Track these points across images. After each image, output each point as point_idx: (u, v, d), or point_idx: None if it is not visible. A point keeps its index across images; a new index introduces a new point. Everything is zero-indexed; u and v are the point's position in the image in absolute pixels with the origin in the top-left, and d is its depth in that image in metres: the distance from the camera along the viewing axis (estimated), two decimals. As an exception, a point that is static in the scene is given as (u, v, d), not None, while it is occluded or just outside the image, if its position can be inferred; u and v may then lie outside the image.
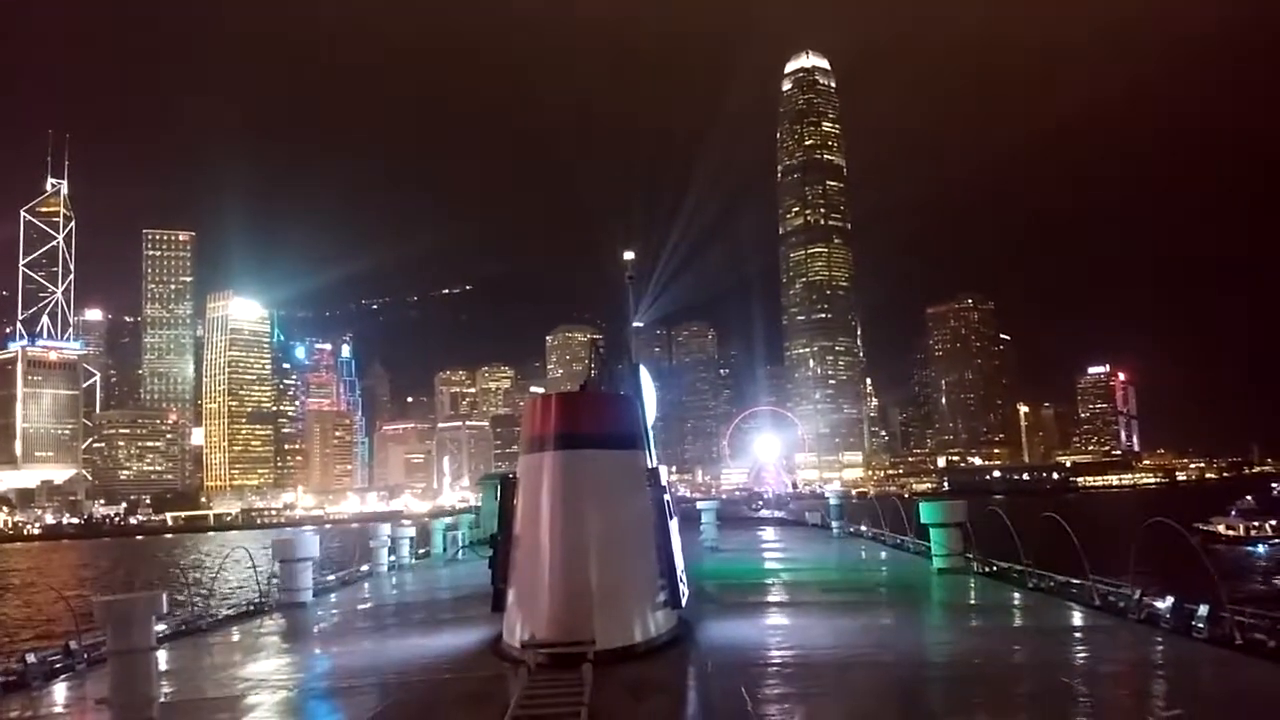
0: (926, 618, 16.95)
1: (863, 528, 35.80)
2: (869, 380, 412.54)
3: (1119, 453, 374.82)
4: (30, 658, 13.96)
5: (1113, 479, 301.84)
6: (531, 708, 9.17)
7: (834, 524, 37.35)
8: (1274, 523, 58.58)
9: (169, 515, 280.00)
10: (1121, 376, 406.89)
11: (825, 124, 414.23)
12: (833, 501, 40.27)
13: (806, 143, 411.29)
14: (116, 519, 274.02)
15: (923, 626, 15.99)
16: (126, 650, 10.37)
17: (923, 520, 22.72)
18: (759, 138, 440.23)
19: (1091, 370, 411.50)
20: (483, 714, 9.94)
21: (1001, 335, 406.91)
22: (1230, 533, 57.57)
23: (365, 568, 29.38)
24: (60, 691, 13.17)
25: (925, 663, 12.43)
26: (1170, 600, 14.07)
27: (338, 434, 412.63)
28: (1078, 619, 15.18)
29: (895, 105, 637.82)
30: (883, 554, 28.59)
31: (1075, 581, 17.10)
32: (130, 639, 10.41)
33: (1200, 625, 12.93)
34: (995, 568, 20.73)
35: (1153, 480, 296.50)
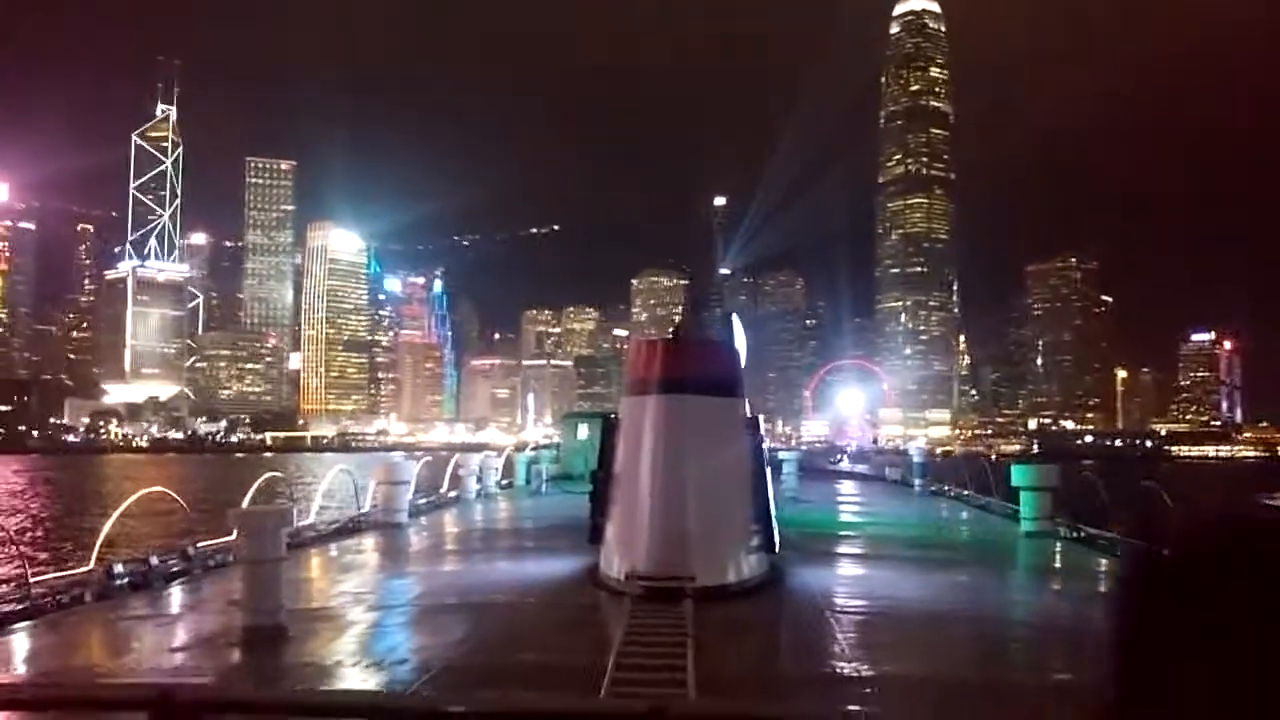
0: (1012, 578, 17.00)
1: (945, 487, 35.41)
2: (962, 337, 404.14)
3: (1218, 423, 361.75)
4: (153, 560, 14.57)
5: (1209, 450, 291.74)
6: (638, 636, 9.53)
7: (916, 481, 37.20)
8: None
9: (268, 435, 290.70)
10: (1227, 345, 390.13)
11: (933, 69, 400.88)
12: (915, 458, 40.05)
13: (912, 88, 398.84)
14: (218, 436, 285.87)
15: (1008, 586, 16.06)
16: (258, 558, 11.00)
17: (1013, 483, 22.69)
18: (860, 82, 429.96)
19: (1195, 337, 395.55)
20: (586, 638, 10.37)
21: (1103, 296, 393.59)
22: None
23: (454, 494, 30.34)
24: (182, 594, 13.76)
25: (1011, 621, 12.54)
26: None
27: (428, 366, 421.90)
28: None
29: (1007, 52, 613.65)
30: (965, 514, 28.50)
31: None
32: (263, 548, 11.05)
33: None
34: (1084, 534, 20.52)
35: (1252, 454, 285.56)
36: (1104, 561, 17.92)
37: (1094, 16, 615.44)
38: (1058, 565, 18.34)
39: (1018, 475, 22.08)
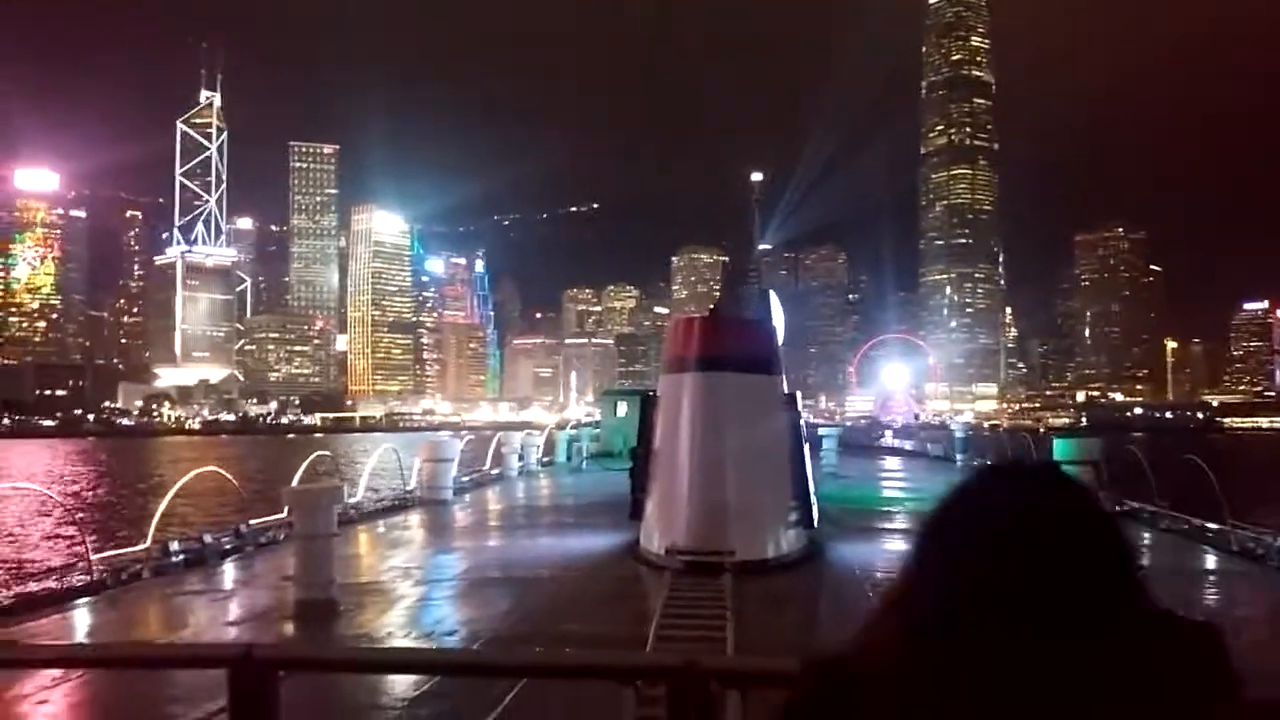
0: None
1: (988, 461, 35.30)
2: (1008, 310, 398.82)
3: (1272, 394, 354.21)
4: (207, 538, 15.00)
5: (1263, 421, 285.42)
6: (678, 608, 9.70)
7: (958, 456, 37.10)
8: None
9: (318, 416, 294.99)
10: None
11: (974, 38, 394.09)
12: (958, 434, 39.92)
13: (954, 58, 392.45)
14: (269, 418, 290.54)
15: None
16: (311, 534, 11.41)
17: (1056, 457, 22.66)
18: (901, 52, 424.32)
19: (1248, 306, 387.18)
20: (627, 610, 10.59)
21: (1152, 266, 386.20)
22: None
23: (497, 471, 30.94)
24: (235, 570, 14.15)
25: None
26: None
27: (471, 346, 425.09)
28: (1212, 562, 14.92)
29: (1050, 19, 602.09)
30: None
31: (1212, 526, 16.73)
32: (315, 524, 11.46)
33: None
34: (1127, 507, 20.44)
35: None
36: (1147, 535, 17.89)
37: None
38: None
39: (1060, 449, 22.22)
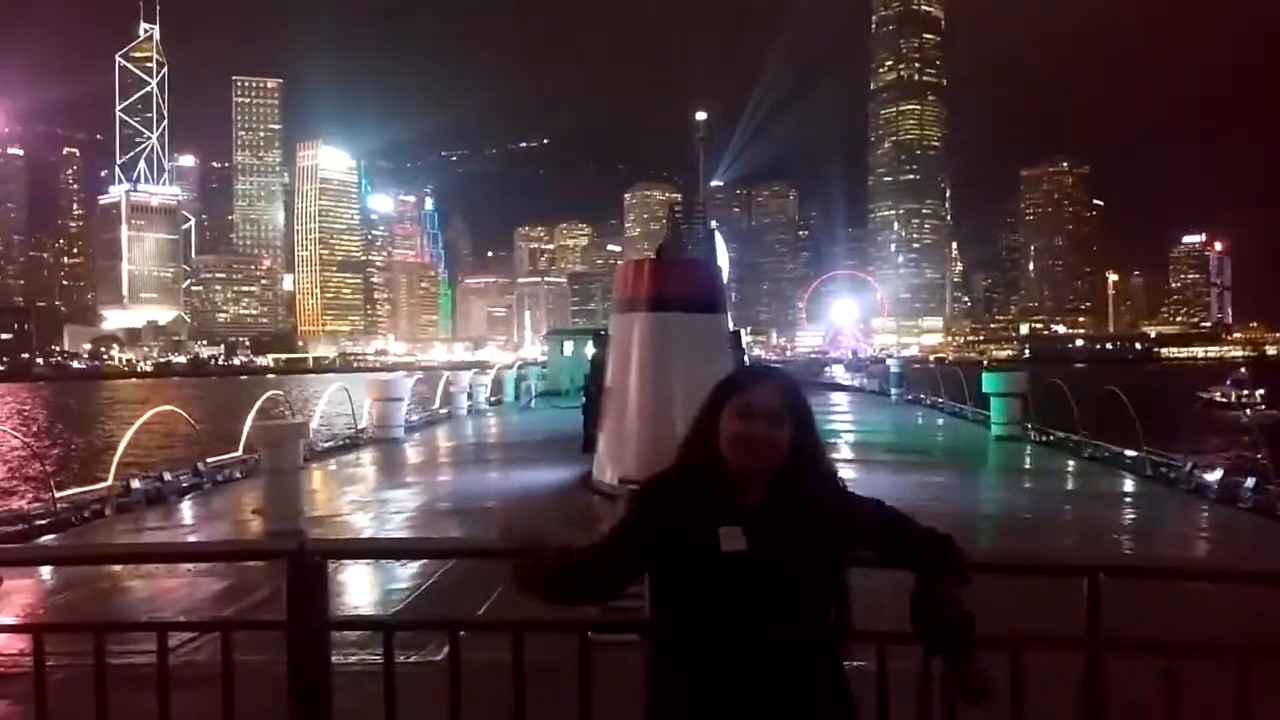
0: (982, 478, 17.68)
1: (921, 395, 36.03)
2: (954, 244, 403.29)
3: (1208, 325, 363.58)
4: (167, 475, 14.97)
5: (1198, 351, 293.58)
6: None
7: (893, 391, 38.02)
8: (1261, 392, 64.65)
9: (270, 357, 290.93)
10: (1218, 246, 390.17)
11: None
12: (893, 369, 40.70)
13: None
14: (220, 359, 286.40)
15: (979, 485, 16.75)
16: (278, 469, 11.70)
17: (984, 390, 23.41)
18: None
19: (1186, 239, 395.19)
20: (582, 533, 11.27)
21: (1094, 201, 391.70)
22: (1223, 400, 63.52)
23: (445, 410, 30.92)
24: (195, 506, 14.29)
25: (980, 515, 13.16)
26: (1219, 472, 14.42)
27: (422, 285, 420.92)
28: (1129, 486, 15.72)
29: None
30: (940, 421, 29.16)
31: (1130, 453, 17.46)
32: (282, 459, 11.74)
33: (1246, 496, 13.25)
34: (1052, 437, 21.24)
35: (1240, 354, 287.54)
36: (1071, 463, 18.76)
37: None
38: (1025, 466, 19.07)
39: (988, 383, 22.76)
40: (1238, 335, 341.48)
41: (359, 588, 8.88)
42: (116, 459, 14.77)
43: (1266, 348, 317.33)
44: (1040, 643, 3.38)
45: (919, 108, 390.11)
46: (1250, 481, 13.54)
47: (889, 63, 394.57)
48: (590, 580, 2.82)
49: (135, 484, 14.29)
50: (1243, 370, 76.61)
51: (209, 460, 16.49)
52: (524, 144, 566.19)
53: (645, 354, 13.89)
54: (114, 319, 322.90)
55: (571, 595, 2.86)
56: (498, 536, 3.09)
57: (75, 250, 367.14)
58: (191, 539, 12.42)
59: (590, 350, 21.50)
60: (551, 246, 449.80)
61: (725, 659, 2.57)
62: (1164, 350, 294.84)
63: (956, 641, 2.68)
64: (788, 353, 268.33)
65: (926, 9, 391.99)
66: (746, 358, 15.29)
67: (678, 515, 2.64)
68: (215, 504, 14.46)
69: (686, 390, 13.90)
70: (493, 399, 36.13)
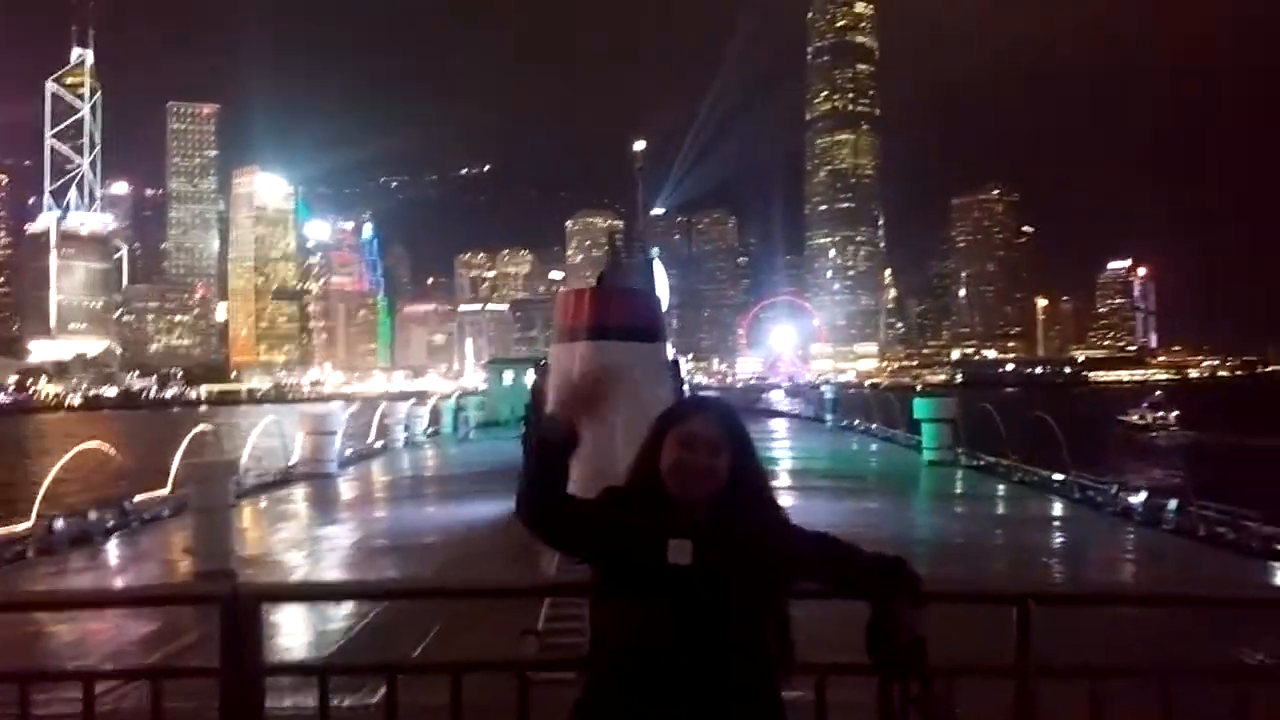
0: (915, 503, 18.15)
1: (855, 421, 36.59)
2: (888, 271, 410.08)
3: (1134, 348, 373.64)
4: (91, 515, 14.72)
5: (1124, 375, 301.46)
6: (575, 561, 10.50)
7: (828, 417, 38.47)
8: (1175, 414, 67.84)
9: (203, 389, 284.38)
10: (1142, 271, 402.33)
11: (859, 4, 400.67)
12: (827, 395, 41.25)
13: (838, 24, 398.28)
14: (152, 392, 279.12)
15: (911, 510, 17.20)
16: (208, 507, 11.62)
17: (915, 415, 23.90)
18: (788, 20, 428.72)
19: (1112, 265, 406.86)
20: (524, 565, 10.70)
21: (1024, 228, 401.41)
22: (1141, 422, 66.32)
23: (381, 443, 30.33)
24: (122, 547, 13.96)
25: (913, 540, 13.41)
26: (1143, 495, 15.01)
27: (361, 313, 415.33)
28: (1057, 510, 16.19)
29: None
30: (873, 446, 29.61)
31: (1058, 476, 18.01)
32: (212, 497, 11.69)
33: (1169, 518, 13.81)
34: (983, 462, 21.75)
35: (1164, 376, 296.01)
36: (1001, 487, 19.25)
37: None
38: (956, 490, 19.52)
39: (919, 409, 23.27)
40: (1162, 358, 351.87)
41: (292, 629, 8.81)
42: (39, 498, 14.43)
43: (1189, 370, 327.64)
44: (972, 670, 3.41)
45: (853, 137, 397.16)
46: (1173, 504, 14.09)
47: (824, 93, 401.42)
48: (562, 494, 2.86)
49: (59, 524, 13.92)
50: (1158, 394, 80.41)
51: (136, 498, 16.16)
52: (465, 170, 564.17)
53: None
54: (41, 350, 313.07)
55: (544, 477, 2.87)
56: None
57: (1, 280, 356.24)
58: (118, 582, 12.11)
59: (530, 379, 21.40)
60: (493, 273, 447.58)
61: (658, 676, 2.57)
62: (1092, 374, 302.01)
63: (920, 667, 2.66)
64: (728, 379, 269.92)
65: (860, 40, 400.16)
66: (686, 386, 15.43)
67: (631, 519, 2.73)
68: (143, 544, 14.19)
69: (627, 420, 13.99)
70: (430, 430, 35.72)
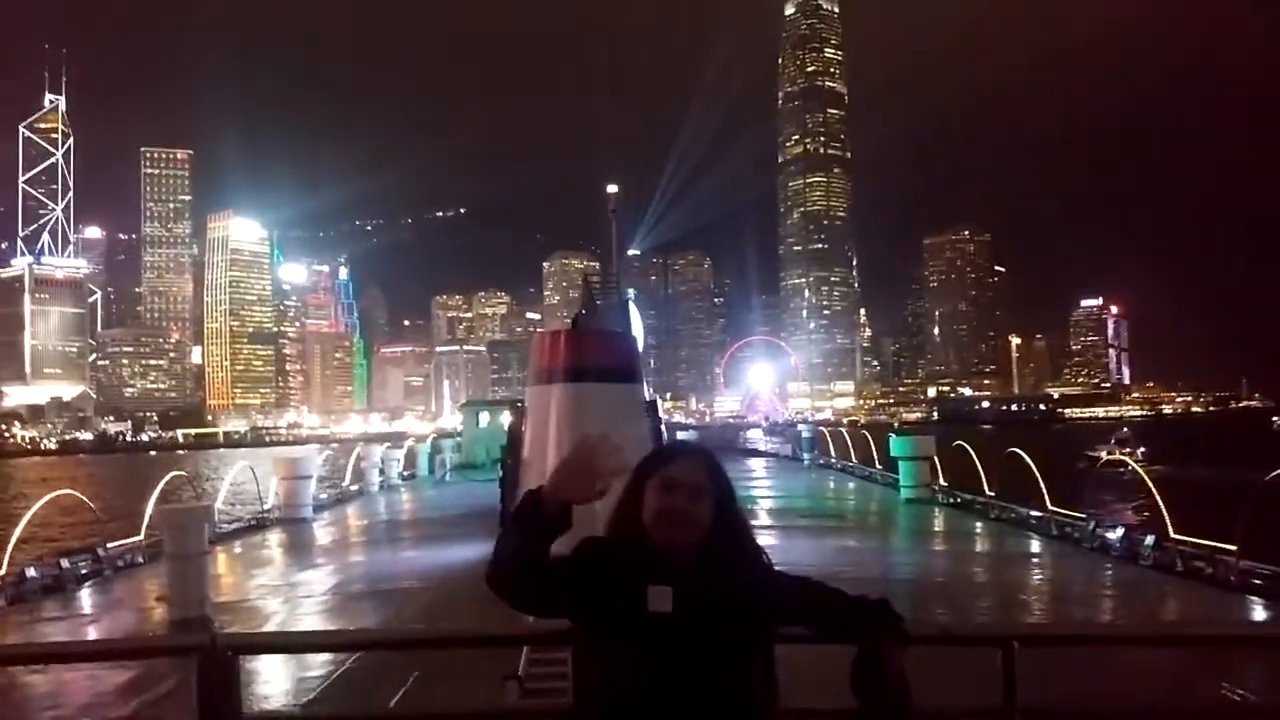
0: (894, 542, 18.15)
1: (833, 459, 36.62)
2: (863, 311, 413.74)
3: (1108, 385, 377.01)
4: (64, 563, 14.39)
5: (1099, 411, 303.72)
6: None
7: (805, 456, 38.56)
8: (1142, 450, 68.48)
9: (180, 432, 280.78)
10: (1114, 309, 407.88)
11: (828, 50, 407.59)
12: (804, 434, 41.26)
13: (808, 69, 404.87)
14: (127, 436, 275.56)
15: (891, 550, 17.18)
16: (182, 554, 11.49)
17: (892, 453, 23.90)
18: (759, 64, 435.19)
19: (1085, 303, 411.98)
20: (500, 611, 11.22)
21: (996, 267, 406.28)
22: (1108, 458, 65.40)
23: (356, 487, 29.94)
24: (95, 595, 13.69)
25: (893, 579, 13.40)
26: (1120, 531, 15.13)
27: (337, 355, 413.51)
28: (1035, 547, 16.21)
29: (898, 32, 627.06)
30: (851, 484, 29.60)
31: (1035, 513, 18.05)
32: (186, 544, 11.55)
33: (1147, 553, 13.83)
34: (960, 499, 21.77)
35: (1139, 413, 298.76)
36: (979, 525, 19.26)
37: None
38: (935, 528, 19.54)
39: (896, 447, 23.28)
40: (1136, 395, 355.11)
41: (270, 677, 8.71)
42: (11, 545, 14.15)
43: (1163, 406, 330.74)
44: (958, 713, 3.39)
45: (825, 180, 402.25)
46: (1149, 539, 14.12)
47: (795, 136, 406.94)
48: (544, 570, 2.71)
49: (31, 572, 13.74)
50: (1125, 430, 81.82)
51: (110, 545, 15.88)
52: (440, 213, 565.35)
53: (562, 425, 13.78)
54: (16, 395, 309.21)
55: (535, 558, 2.70)
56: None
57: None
58: (92, 631, 11.88)
59: (507, 421, 21.21)
60: (470, 315, 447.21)
61: None
62: (1067, 411, 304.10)
63: (906, 709, 2.67)
64: (706, 417, 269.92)
65: (830, 85, 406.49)
66: (663, 427, 15.42)
67: (611, 568, 2.69)
68: (117, 592, 13.96)
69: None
70: (406, 473, 35.45)
